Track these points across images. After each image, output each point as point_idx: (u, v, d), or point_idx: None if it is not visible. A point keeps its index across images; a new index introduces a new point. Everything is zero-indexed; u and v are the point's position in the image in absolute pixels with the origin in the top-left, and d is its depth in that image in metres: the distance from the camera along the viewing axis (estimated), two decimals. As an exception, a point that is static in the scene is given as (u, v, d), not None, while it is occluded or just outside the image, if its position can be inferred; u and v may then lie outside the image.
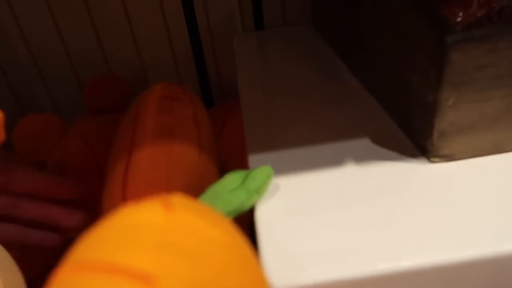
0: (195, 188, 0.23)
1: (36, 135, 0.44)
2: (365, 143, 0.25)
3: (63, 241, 0.30)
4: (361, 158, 0.24)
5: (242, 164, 0.37)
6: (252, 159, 0.25)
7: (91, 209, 0.30)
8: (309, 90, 0.33)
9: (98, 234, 0.12)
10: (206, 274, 0.11)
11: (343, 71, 0.35)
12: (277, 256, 0.18)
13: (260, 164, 0.24)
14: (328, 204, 0.21)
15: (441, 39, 0.20)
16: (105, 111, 0.47)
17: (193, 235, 0.12)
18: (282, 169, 0.24)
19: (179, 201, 0.13)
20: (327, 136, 0.26)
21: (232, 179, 0.21)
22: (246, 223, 0.27)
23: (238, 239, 0.14)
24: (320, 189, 0.22)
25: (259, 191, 0.21)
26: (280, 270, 0.18)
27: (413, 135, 0.24)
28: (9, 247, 0.20)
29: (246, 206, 0.21)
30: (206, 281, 0.11)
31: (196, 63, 0.53)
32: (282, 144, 0.26)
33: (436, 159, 0.22)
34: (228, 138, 0.41)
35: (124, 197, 0.26)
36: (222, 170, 0.29)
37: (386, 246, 0.18)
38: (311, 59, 0.38)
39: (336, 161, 0.24)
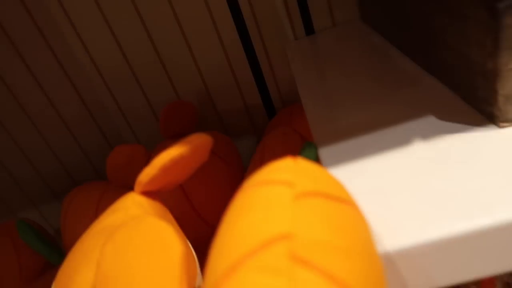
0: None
1: (125, 164, 0.49)
2: (431, 120, 0.26)
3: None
4: (429, 135, 0.25)
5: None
6: (322, 152, 0.27)
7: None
8: (368, 80, 0.34)
9: None
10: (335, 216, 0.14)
11: (400, 57, 0.35)
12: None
13: (330, 157, 0.25)
14: (405, 182, 0.22)
15: (493, 6, 0.20)
16: (179, 134, 0.52)
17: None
18: (354, 156, 0.25)
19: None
20: (392, 120, 0.27)
21: None
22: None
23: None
24: (393, 169, 0.23)
25: None
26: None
27: (478, 104, 0.25)
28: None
29: None
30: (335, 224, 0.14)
31: (255, 78, 0.56)
32: (349, 134, 0.28)
33: (505, 124, 0.23)
34: (296, 139, 0.43)
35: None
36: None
37: (467, 208, 0.19)
38: (365, 52, 0.39)
39: (404, 141, 0.25)
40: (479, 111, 0.25)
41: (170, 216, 0.28)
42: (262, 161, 0.42)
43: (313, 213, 0.13)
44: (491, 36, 0.21)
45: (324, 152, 0.27)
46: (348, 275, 0.12)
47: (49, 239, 0.51)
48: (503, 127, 0.23)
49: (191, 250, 0.25)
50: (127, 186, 0.48)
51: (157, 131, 0.60)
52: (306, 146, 0.31)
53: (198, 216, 0.45)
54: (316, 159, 0.26)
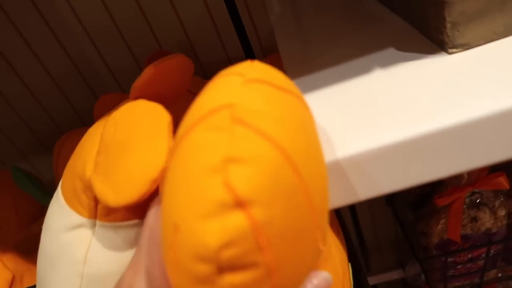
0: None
1: (110, 111, 0.51)
2: (391, 51, 0.28)
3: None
4: (387, 64, 0.27)
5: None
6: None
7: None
8: (338, 19, 0.36)
9: None
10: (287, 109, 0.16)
11: (369, 2, 0.37)
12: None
13: (299, 86, 0.28)
14: (359, 100, 0.25)
15: None
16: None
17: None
18: (319, 85, 0.28)
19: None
20: (357, 53, 0.30)
21: None
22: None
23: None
24: (351, 92, 0.26)
25: None
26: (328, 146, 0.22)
27: (431, 34, 0.27)
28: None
29: None
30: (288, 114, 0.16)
31: (237, 31, 0.57)
32: (317, 67, 0.30)
33: (454, 50, 0.25)
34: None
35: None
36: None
37: (411, 118, 0.22)
38: (340, 4, 0.41)
39: (365, 70, 0.27)
40: (432, 40, 0.27)
41: None
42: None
43: (258, 92, 0.16)
44: (441, -33, 0.23)
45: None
46: (283, 139, 0.15)
47: (42, 185, 0.54)
48: (451, 53, 0.25)
49: None
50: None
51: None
52: None
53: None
54: None
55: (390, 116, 0.22)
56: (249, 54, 0.59)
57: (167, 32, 0.57)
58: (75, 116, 0.65)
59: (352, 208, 0.80)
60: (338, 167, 0.22)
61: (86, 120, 0.66)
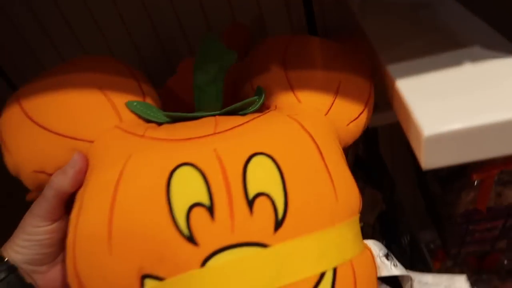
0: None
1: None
2: (476, 50, 0.35)
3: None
4: (475, 58, 0.34)
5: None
6: (391, 68, 0.36)
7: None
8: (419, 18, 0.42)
9: None
10: None
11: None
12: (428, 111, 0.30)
13: (400, 72, 0.35)
14: (449, 87, 0.32)
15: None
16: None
17: None
18: (418, 70, 0.35)
19: None
20: (444, 46, 0.37)
21: None
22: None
23: None
24: (442, 78, 0.33)
25: None
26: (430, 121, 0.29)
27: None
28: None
29: None
30: None
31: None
32: (408, 54, 0.37)
33: (534, 54, 0.32)
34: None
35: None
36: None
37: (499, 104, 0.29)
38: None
39: (455, 62, 0.34)
40: (515, 44, 0.34)
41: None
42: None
43: None
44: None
45: (393, 68, 0.36)
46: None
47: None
48: (530, 56, 0.32)
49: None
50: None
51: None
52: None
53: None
54: None
55: (477, 103, 0.30)
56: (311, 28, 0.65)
57: (242, 7, 0.63)
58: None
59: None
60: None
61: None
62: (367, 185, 0.57)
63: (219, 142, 0.31)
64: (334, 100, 0.37)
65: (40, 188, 0.35)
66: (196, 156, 0.30)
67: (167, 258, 0.27)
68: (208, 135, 0.32)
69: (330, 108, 0.37)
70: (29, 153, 0.33)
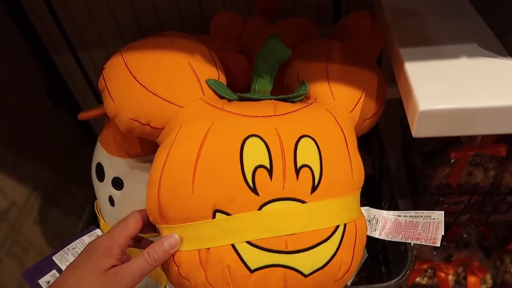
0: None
1: (225, 27, 0.64)
2: (474, 46, 0.43)
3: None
4: (472, 54, 0.42)
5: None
6: (403, 51, 0.44)
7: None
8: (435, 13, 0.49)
9: None
10: None
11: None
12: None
13: (411, 56, 0.42)
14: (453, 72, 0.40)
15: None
16: (266, 12, 0.66)
17: None
18: (424, 57, 0.42)
19: None
20: (450, 40, 0.44)
21: None
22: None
23: None
24: (446, 64, 0.41)
25: None
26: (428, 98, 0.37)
27: (506, 43, 0.42)
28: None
29: None
30: None
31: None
32: (422, 41, 0.44)
33: (517, 59, 0.40)
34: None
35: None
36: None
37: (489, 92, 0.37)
38: None
39: (457, 53, 0.42)
40: (505, 47, 0.42)
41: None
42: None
43: None
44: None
45: (404, 51, 0.44)
46: None
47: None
48: (515, 60, 0.40)
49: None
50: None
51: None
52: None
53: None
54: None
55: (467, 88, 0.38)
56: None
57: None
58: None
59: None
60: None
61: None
62: (360, 150, 0.65)
63: (278, 122, 0.41)
64: (358, 102, 0.48)
65: (130, 132, 0.43)
66: (262, 130, 0.40)
67: (236, 200, 0.38)
68: (271, 116, 0.42)
69: (354, 107, 0.47)
70: (128, 103, 0.42)
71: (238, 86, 0.50)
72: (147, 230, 0.43)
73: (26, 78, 0.76)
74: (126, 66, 0.42)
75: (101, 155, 0.55)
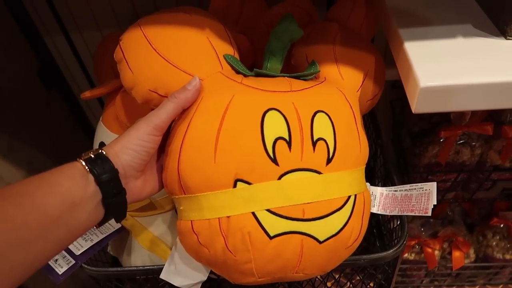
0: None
1: (224, 7, 0.64)
2: (469, 27, 0.45)
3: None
4: (467, 34, 0.44)
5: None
6: (402, 31, 0.46)
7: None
8: None
9: None
10: None
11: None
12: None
13: (410, 35, 0.44)
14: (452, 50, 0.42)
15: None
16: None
17: None
18: (422, 36, 0.44)
19: None
20: (446, 21, 0.46)
21: None
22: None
23: None
24: (443, 43, 0.43)
25: None
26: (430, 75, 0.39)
27: (498, 24, 0.44)
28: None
29: None
30: None
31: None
32: (418, 21, 0.46)
33: (510, 38, 0.42)
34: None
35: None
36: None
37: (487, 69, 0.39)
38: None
39: (453, 34, 0.44)
40: (498, 28, 0.44)
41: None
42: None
43: None
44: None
45: (403, 31, 0.46)
46: None
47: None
48: (508, 39, 0.43)
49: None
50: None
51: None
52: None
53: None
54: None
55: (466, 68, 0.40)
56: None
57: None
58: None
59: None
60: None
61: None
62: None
63: (295, 98, 0.43)
64: (362, 82, 0.50)
65: (147, 104, 0.44)
66: (281, 105, 0.41)
67: (256, 170, 0.40)
68: (287, 91, 0.43)
69: (359, 87, 0.50)
70: (147, 74, 0.42)
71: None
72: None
73: (17, 60, 0.75)
74: (146, 37, 0.42)
75: (104, 134, 0.56)
